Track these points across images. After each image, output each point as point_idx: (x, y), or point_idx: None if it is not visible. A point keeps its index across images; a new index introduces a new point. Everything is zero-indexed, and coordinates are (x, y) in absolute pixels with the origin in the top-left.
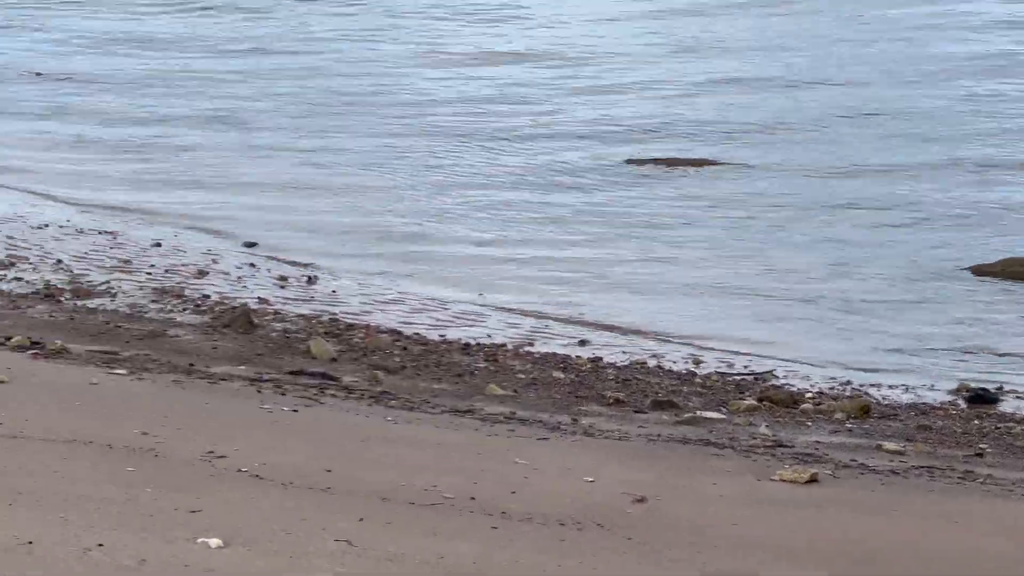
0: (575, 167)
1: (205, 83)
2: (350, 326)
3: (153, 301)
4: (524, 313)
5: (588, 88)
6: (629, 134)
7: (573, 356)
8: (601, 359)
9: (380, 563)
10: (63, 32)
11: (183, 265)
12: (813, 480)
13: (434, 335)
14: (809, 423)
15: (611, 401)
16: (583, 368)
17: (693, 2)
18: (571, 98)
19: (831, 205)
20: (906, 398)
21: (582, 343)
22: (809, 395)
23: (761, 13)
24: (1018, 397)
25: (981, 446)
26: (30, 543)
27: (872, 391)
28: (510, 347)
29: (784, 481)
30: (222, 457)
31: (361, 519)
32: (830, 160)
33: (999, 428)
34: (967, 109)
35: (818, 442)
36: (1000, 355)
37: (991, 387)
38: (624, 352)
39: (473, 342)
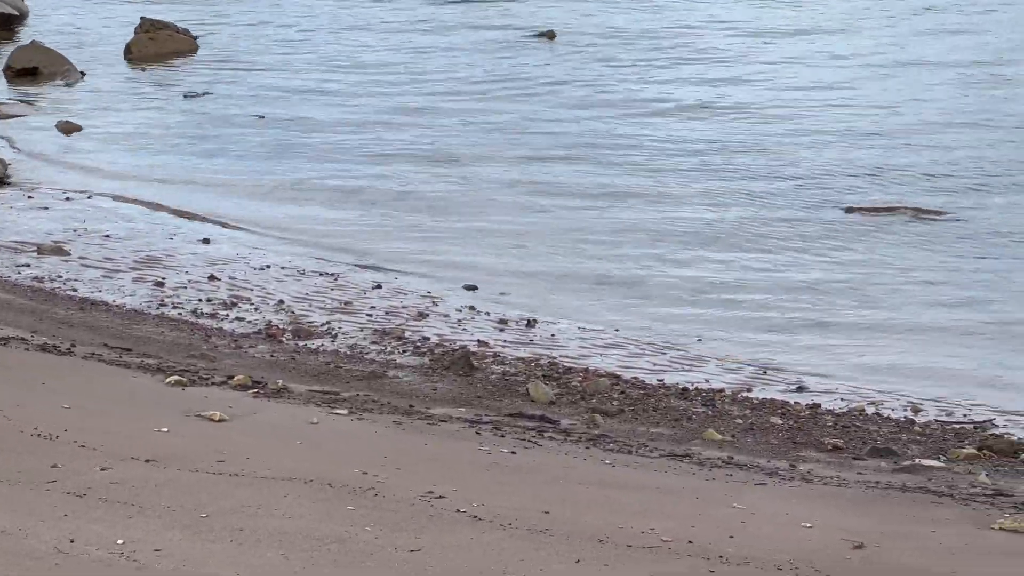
0: (791, 214)
1: (423, 121)
2: (569, 369)
3: (373, 342)
4: (740, 358)
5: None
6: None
7: (791, 402)
8: (819, 405)
9: None
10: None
11: (403, 307)
12: None
13: (652, 379)
14: None
15: (829, 448)
16: (801, 414)
17: None
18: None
19: None
20: None
21: (800, 389)
22: None
23: None
24: None
25: None
26: None
27: None
28: (728, 392)
29: (1004, 530)
30: (441, 498)
31: (578, 561)
32: None
33: None
34: None
35: None
36: None
37: None
38: (842, 399)
39: (691, 387)
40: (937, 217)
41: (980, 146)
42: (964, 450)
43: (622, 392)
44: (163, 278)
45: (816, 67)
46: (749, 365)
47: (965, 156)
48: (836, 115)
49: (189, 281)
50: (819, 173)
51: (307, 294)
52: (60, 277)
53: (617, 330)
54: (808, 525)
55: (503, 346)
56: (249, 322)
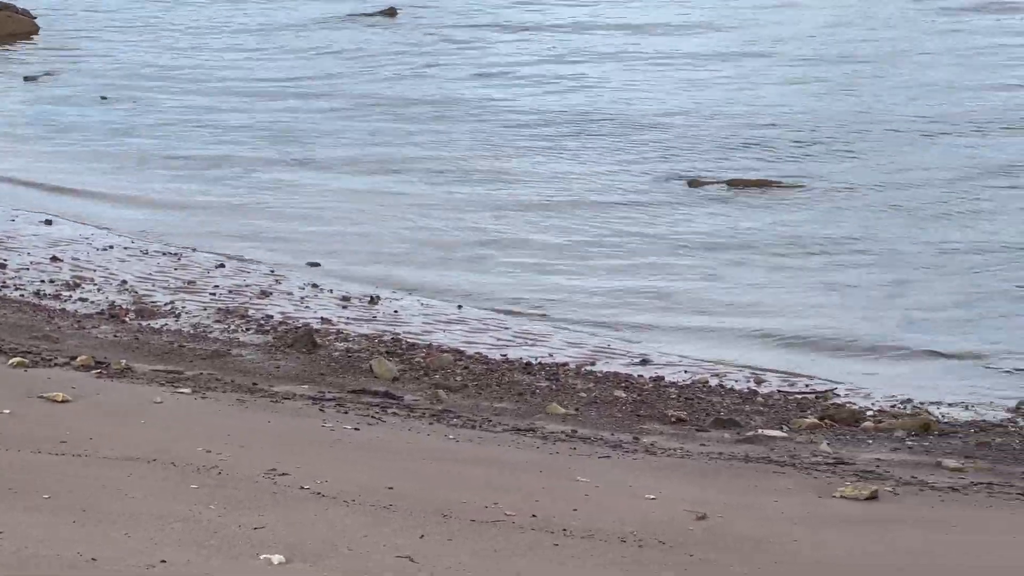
0: (635, 186)
1: (265, 102)
2: (412, 345)
3: (217, 321)
4: (586, 332)
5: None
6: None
7: (635, 375)
8: (663, 378)
9: None
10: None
11: (247, 286)
12: (873, 497)
13: (496, 354)
14: (870, 441)
15: (673, 420)
16: (645, 387)
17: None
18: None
19: (890, 219)
20: (966, 416)
21: (644, 362)
22: (870, 413)
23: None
24: None
25: None
26: (94, 560)
27: (932, 409)
28: (572, 366)
29: (845, 498)
30: (284, 475)
31: (422, 536)
32: (885, 172)
33: None
34: None
35: (879, 459)
36: None
37: None
38: (686, 371)
39: (535, 361)
40: (779, 188)
41: (821, 122)
42: (806, 420)
43: (465, 367)
44: (4, 260)
45: (663, 48)
46: (592, 337)
47: (806, 132)
48: (679, 93)
49: (31, 263)
50: (663, 148)
51: (150, 274)
52: None
53: (460, 306)
54: (652, 497)
55: (346, 323)
56: (92, 303)
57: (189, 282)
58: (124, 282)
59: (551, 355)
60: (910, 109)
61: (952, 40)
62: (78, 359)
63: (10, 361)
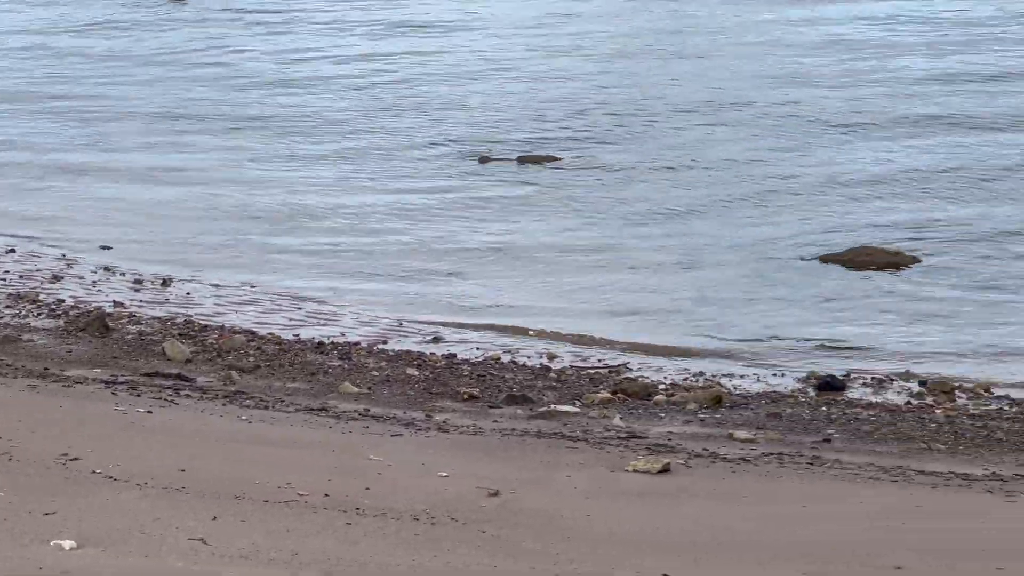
0: (428, 163)
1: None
2: (205, 327)
3: (7, 307)
4: (378, 311)
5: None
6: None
7: (427, 353)
8: (455, 356)
9: (234, 561)
10: None
11: (38, 270)
12: (666, 470)
13: (288, 335)
14: (662, 414)
15: (465, 397)
16: (438, 365)
17: None
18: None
19: (680, 198)
20: (757, 387)
21: (436, 340)
22: (662, 386)
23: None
24: (864, 384)
25: (829, 432)
26: None
27: (724, 381)
28: (364, 345)
29: (637, 472)
30: (76, 459)
31: (215, 518)
32: (676, 153)
33: (846, 414)
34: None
35: (671, 432)
36: (847, 342)
37: (839, 374)
38: (478, 348)
39: (327, 341)
40: (568, 164)
41: (615, 106)
42: (599, 394)
43: (258, 348)
44: None
45: (469, 43)
46: (384, 316)
47: (595, 111)
48: (480, 82)
49: None
50: (454, 129)
51: None
52: None
53: (253, 287)
54: (444, 475)
55: (139, 306)
56: None
57: None
58: None
59: (343, 334)
60: (706, 94)
61: (761, 29)
62: None
63: None
